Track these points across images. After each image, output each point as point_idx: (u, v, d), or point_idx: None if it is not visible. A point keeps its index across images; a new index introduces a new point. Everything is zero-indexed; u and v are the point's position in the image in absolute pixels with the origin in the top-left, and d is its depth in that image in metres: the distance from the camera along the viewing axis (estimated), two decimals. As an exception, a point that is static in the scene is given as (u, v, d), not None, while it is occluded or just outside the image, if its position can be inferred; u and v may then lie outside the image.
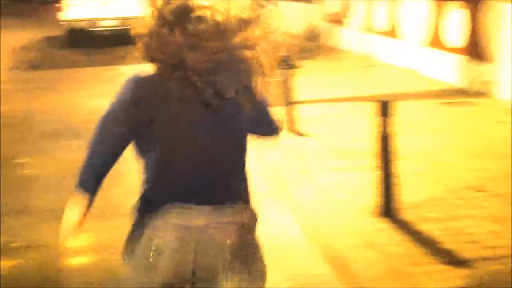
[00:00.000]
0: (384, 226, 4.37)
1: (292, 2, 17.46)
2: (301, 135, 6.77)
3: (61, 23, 15.73)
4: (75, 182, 2.28)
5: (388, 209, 4.52)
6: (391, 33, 11.71)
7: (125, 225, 2.36)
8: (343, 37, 14.05)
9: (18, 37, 19.87)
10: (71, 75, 12.28)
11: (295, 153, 6.13)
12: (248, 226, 2.32)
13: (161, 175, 2.21)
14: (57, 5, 15.89)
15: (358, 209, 4.70)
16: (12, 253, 4.46)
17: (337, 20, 14.50)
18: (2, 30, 22.63)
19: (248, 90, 2.18)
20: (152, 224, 2.19)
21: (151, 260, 2.18)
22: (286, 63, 6.98)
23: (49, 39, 18.71)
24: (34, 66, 13.80)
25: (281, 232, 4.67)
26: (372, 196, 4.73)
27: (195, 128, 2.18)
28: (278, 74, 7.73)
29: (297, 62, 9.16)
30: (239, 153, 2.34)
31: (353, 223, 4.46)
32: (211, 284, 2.23)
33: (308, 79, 9.83)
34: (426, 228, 4.32)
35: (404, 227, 4.35)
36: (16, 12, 32.86)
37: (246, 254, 2.29)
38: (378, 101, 4.52)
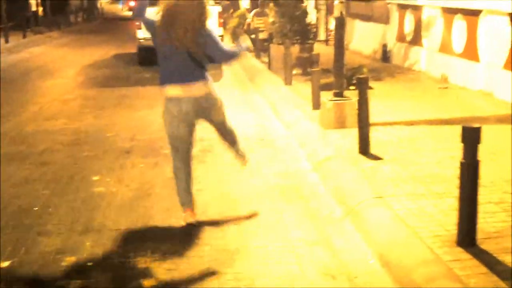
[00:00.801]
0: (464, 256, 4.24)
1: (365, 22, 17.39)
2: (376, 158, 6.67)
3: (139, 40, 16.10)
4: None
5: (468, 239, 4.39)
6: (466, 54, 11.47)
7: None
8: (417, 58, 13.85)
9: (92, 54, 20.49)
10: (142, 92, 12.49)
11: (370, 177, 6.05)
12: (209, 91, 5.20)
13: (162, 67, 5.21)
14: (136, 23, 16.28)
15: (436, 237, 4.58)
16: (81, 272, 4.49)
17: (411, 40, 14.32)
18: (75, 48, 23.41)
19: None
20: (166, 98, 5.19)
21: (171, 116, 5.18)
22: (360, 84, 6.92)
23: (123, 56, 19.21)
24: (105, 83, 14.11)
25: (354, 258, 4.61)
26: (451, 224, 4.62)
27: (173, 49, 5.07)
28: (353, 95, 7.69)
29: (371, 83, 9.13)
30: (199, 60, 5.13)
31: (430, 252, 4.35)
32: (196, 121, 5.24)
33: (381, 100, 9.75)
34: (509, 259, 4.18)
35: (486, 258, 4.21)
36: (96, 30, 33.92)
37: (210, 105, 5.23)
38: (463, 126, 4.38)
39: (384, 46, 15.67)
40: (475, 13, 11.09)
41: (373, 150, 6.86)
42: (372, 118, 7.06)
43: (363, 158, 6.69)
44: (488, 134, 7.42)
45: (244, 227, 5.26)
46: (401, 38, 14.89)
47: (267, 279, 4.31)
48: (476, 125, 4.41)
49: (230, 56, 5.35)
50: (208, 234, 5.10)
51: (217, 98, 5.31)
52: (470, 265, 4.13)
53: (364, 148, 6.83)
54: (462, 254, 4.29)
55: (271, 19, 15.52)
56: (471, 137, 4.32)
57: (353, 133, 7.13)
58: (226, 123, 5.50)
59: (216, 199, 5.83)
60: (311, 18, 17.88)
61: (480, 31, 11.01)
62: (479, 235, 4.45)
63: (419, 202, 5.33)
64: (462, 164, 4.36)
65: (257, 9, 19.29)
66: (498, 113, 8.97)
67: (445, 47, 12.38)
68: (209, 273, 4.39)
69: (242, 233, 5.13)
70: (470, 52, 11.30)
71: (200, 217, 5.39)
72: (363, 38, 17.53)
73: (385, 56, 15.50)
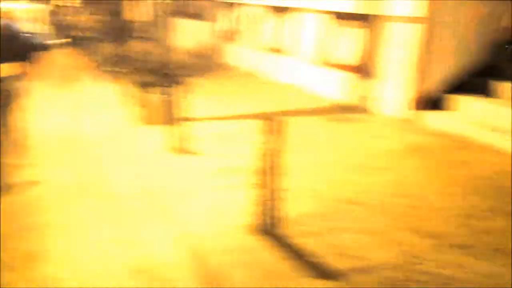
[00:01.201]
0: (264, 243, 4.44)
1: (185, 19, 17.52)
2: (190, 153, 6.77)
3: None
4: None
5: (268, 226, 4.60)
6: (282, 50, 11.95)
7: None
8: (235, 55, 14.20)
9: None
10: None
11: (182, 172, 6.13)
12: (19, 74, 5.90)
13: None
14: None
15: (239, 227, 4.75)
16: None
17: (229, 37, 14.65)
18: None
19: None
20: None
21: None
22: (175, 81, 7.00)
23: None
24: None
25: (163, 253, 4.65)
26: (254, 213, 4.81)
27: None
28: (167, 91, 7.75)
29: (188, 79, 9.24)
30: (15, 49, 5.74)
31: (233, 241, 4.50)
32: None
33: (203, 96, 9.90)
34: (304, 242, 4.43)
35: (283, 242, 4.43)
36: None
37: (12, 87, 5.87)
38: (264, 118, 4.60)
39: (208, 43, 15.89)
40: (289, 10, 11.58)
41: (189, 145, 6.95)
42: (192, 114, 7.17)
43: (178, 153, 6.76)
44: (302, 125, 7.87)
45: (45, 230, 5.10)
46: (225, 36, 15.18)
47: (72, 280, 4.23)
48: (279, 117, 4.64)
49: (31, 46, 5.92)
50: (4, 239, 4.88)
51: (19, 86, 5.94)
52: (272, 250, 4.33)
53: (179, 143, 6.90)
54: (266, 240, 4.49)
55: (90, 17, 15.20)
56: (274, 128, 4.53)
57: (169, 130, 7.17)
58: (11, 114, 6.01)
59: (22, 203, 5.63)
60: (133, 15, 17.70)
61: (293, 28, 11.52)
62: (284, 221, 4.69)
63: (231, 194, 5.49)
64: (266, 154, 4.57)
65: (78, 7, 18.78)
66: (309, 106, 9.46)
67: (264, 44, 12.80)
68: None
69: (43, 236, 4.98)
70: (286, 48, 11.78)
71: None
72: (189, 36, 17.66)
73: (210, 53, 15.72)
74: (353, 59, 9.72)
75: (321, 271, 4.02)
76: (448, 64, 8.36)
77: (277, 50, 12.16)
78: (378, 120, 8.52)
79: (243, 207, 5.16)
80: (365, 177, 5.94)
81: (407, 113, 8.46)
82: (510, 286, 3.88)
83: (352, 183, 5.76)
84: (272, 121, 4.57)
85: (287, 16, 11.74)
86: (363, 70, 9.43)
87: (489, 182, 5.85)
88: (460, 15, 8.28)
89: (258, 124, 4.63)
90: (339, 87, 9.93)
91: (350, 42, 9.85)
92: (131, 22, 15.19)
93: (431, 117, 8.08)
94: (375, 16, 9.17)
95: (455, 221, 4.88)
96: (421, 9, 8.26)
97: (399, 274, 3.98)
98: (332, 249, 4.34)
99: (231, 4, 14.63)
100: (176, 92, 6.99)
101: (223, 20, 15.22)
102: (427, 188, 5.66)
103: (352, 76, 9.68)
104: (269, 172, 4.59)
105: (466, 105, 8.00)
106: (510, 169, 6.26)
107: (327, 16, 10.43)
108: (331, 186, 5.68)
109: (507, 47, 7.83)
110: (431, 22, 8.14)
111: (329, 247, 4.37)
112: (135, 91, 9.36)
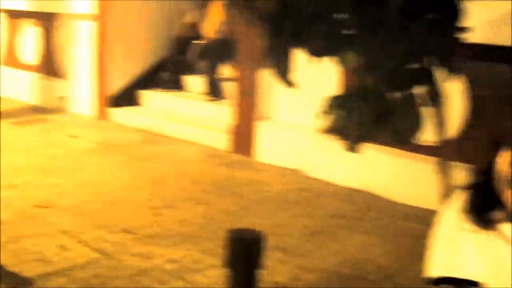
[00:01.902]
0: None
1: None
2: None
3: None
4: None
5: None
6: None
7: None
8: None
9: None
10: None
11: None
12: None
13: None
14: None
15: None
16: None
17: None
18: None
19: None
20: None
21: None
22: None
23: None
24: None
25: None
26: None
27: None
28: None
29: None
30: None
31: None
32: None
33: None
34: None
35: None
36: None
37: None
38: None
39: None
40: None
41: None
42: None
43: None
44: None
45: None
46: None
47: None
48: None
49: None
50: None
51: None
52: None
53: None
54: None
55: None
56: None
57: None
58: None
59: None
60: None
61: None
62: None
63: None
64: None
65: None
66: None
67: None
68: None
69: None
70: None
71: None
72: None
73: None
74: (40, 59, 9.43)
75: (11, 280, 3.84)
76: (135, 60, 8.51)
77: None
78: (71, 120, 8.38)
79: None
80: (59, 179, 5.80)
81: (98, 111, 8.45)
82: None
83: (45, 187, 5.58)
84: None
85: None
86: (51, 69, 9.20)
87: (181, 172, 6.13)
88: (142, 13, 8.47)
89: None
90: (28, 88, 9.54)
91: (33, 42, 9.53)
92: None
93: (123, 114, 8.19)
94: (53, 14, 8.99)
95: (150, 213, 5.03)
96: (98, 7, 8.29)
97: (96, 272, 3.98)
98: (23, 256, 4.17)
99: None
100: None
101: None
102: (121, 184, 5.73)
103: (40, 76, 9.38)
104: None
105: (156, 100, 8.27)
106: (196, 158, 6.64)
107: (3, 14, 9.94)
108: (21, 192, 5.43)
109: (194, 43, 8.20)
110: (110, 20, 8.21)
111: (19, 255, 4.18)
112: None
